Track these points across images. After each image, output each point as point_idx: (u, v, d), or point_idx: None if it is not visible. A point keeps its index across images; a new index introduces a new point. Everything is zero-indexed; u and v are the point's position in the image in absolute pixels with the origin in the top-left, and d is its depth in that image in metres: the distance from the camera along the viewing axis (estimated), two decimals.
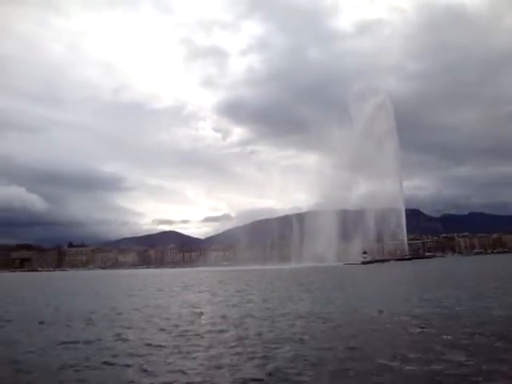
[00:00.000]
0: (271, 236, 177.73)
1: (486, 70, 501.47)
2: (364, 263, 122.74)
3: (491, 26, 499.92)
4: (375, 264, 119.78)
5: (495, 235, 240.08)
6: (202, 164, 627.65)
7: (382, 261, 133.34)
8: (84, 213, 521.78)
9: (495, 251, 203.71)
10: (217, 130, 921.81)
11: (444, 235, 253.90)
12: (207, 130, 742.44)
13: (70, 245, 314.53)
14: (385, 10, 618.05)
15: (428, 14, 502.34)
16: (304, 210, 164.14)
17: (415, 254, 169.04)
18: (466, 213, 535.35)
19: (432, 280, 43.74)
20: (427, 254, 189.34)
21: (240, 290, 40.16)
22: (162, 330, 17.72)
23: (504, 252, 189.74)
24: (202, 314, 22.64)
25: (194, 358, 12.55)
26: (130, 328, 18.30)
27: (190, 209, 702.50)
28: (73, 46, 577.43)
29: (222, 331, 16.92)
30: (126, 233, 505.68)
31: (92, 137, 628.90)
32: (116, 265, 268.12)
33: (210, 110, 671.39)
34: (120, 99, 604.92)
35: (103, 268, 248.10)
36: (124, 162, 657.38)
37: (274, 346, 13.75)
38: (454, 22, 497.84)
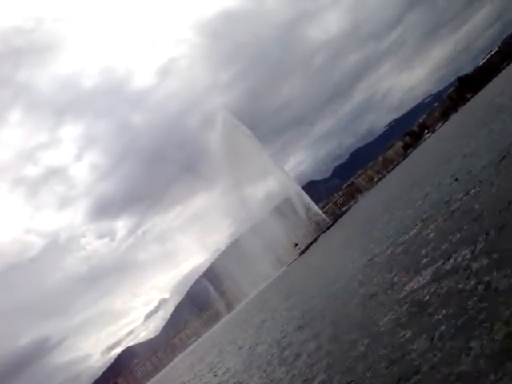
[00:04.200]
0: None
1: (279, 42, 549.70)
2: (301, 254, 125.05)
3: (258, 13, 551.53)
4: (310, 248, 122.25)
5: (380, 158, 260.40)
6: (108, 273, 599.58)
7: (314, 241, 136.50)
8: None
9: (389, 170, 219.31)
10: (102, 236, 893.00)
11: (345, 185, 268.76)
12: (93, 243, 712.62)
13: None
14: (173, 48, 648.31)
15: (208, 29, 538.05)
16: (223, 248, 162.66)
17: (335, 216, 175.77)
18: (347, 157, 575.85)
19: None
20: (343, 209, 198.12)
21: None
22: None
23: (394, 167, 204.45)
24: None
25: None
26: None
27: (127, 318, 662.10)
28: None
29: None
30: (85, 383, 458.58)
31: None
32: None
33: (83, 224, 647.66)
34: None
35: None
36: (35, 324, 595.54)
37: None
38: (229, 24, 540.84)
